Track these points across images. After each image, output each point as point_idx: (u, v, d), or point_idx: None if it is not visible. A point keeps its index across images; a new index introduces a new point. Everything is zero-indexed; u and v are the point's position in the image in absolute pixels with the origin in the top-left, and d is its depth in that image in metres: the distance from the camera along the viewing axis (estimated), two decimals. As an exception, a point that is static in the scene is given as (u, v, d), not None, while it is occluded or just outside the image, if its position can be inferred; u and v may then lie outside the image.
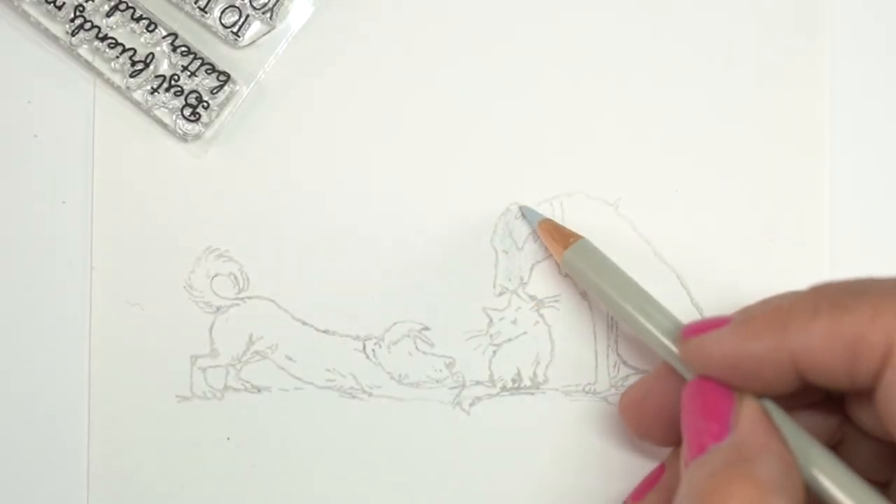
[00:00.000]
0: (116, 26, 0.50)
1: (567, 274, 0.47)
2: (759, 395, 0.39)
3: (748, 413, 0.38)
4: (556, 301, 0.49)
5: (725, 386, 0.39)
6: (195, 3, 0.50)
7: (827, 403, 0.42)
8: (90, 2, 0.50)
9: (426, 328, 0.49)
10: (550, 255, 0.49)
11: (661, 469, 0.44)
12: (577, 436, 0.48)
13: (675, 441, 0.43)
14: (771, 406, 0.39)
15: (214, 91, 0.49)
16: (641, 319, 0.42)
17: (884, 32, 0.49)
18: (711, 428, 0.38)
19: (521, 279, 0.49)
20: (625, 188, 0.49)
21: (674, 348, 0.41)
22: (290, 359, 0.49)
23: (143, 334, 0.50)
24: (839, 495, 0.36)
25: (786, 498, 0.35)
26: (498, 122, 0.49)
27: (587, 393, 0.49)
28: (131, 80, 0.50)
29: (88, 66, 0.50)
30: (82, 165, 0.50)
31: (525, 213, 0.48)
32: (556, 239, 0.46)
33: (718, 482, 0.35)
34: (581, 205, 0.49)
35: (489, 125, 0.49)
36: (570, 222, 0.49)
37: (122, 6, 0.50)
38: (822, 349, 0.37)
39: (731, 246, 0.48)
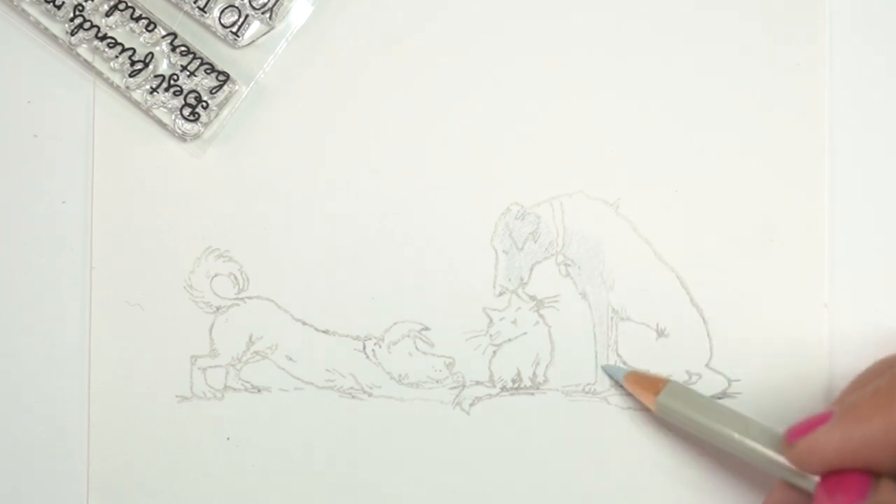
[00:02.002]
0: (116, 26, 0.50)
1: (662, 418, 0.47)
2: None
3: (887, 484, 0.38)
4: (556, 301, 0.49)
5: (859, 473, 0.39)
6: (194, 2, 0.50)
7: None
8: (89, 1, 0.50)
9: (426, 328, 0.49)
10: (551, 255, 0.49)
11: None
12: (577, 436, 0.48)
13: None
14: None
15: (213, 91, 0.49)
16: (749, 443, 0.42)
17: (884, 32, 0.49)
18: (849, 496, 0.38)
19: (521, 279, 0.49)
20: (625, 188, 0.49)
21: (786, 463, 0.41)
22: (290, 359, 0.49)
23: (143, 334, 0.50)
24: None
25: None
26: (498, 123, 0.49)
27: (587, 393, 0.49)
28: (130, 79, 0.50)
29: (88, 65, 0.50)
30: (82, 165, 0.50)
31: (608, 371, 0.48)
32: (646, 387, 0.46)
33: None
34: (581, 205, 0.49)
35: (489, 125, 0.49)
36: (570, 222, 0.49)
37: (122, 6, 0.50)
38: None
39: (731, 246, 0.48)
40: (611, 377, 0.48)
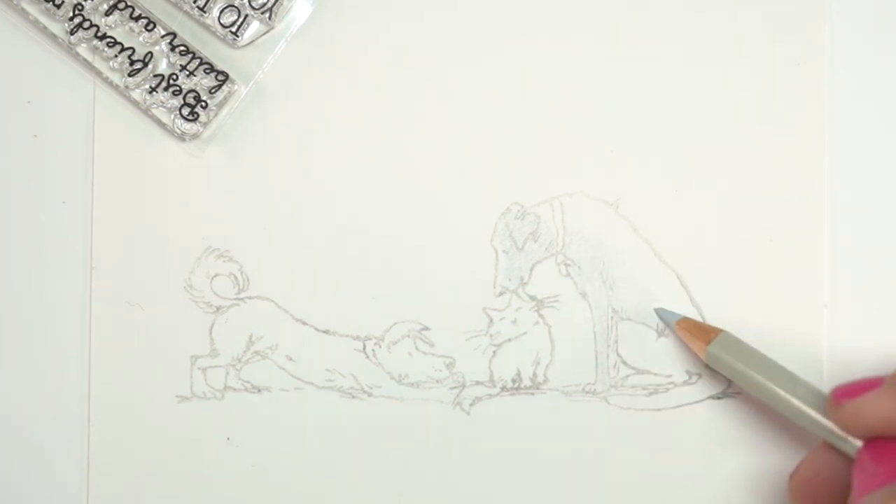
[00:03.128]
0: (115, 25, 0.50)
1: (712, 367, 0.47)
2: None
3: None
4: (556, 301, 0.49)
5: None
6: (194, 2, 0.50)
7: None
8: (89, 0, 0.50)
9: (426, 328, 0.49)
10: (551, 255, 0.49)
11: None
12: (577, 436, 0.48)
13: None
14: None
15: (213, 90, 0.49)
16: (795, 402, 0.43)
17: (884, 32, 0.49)
18: (884, 468, 0.38)
19: (521, 279, 0.49)
20: (625, 188, 0.49)
21: (831, 425, 0.41)
22: (290, 359, 0.49)
23: (143, 334, 0.50)
24: None
25: None
26: (498, 123, 0.49)
27: (587, 393, 0.49)
28: (130, 79, 0.50)
29: (88, 65, 0.50)
30: (82, 165, 0.50)
31: (661, 314, 0.48)
32: (697, 335, 0.46)
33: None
34: (581, 205, 0.49)
35: (489, 125, 0.49)
36: (570, 222, 0.49)
37: (121, 5, 0.50)
38: None
39: (731, 246, 0.48)
40: (662, 320, 0.48)
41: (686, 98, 0.49)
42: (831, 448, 0.42)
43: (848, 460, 0.41)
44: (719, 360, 0.45)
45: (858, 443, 0.40)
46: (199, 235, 0.50)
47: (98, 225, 0.50)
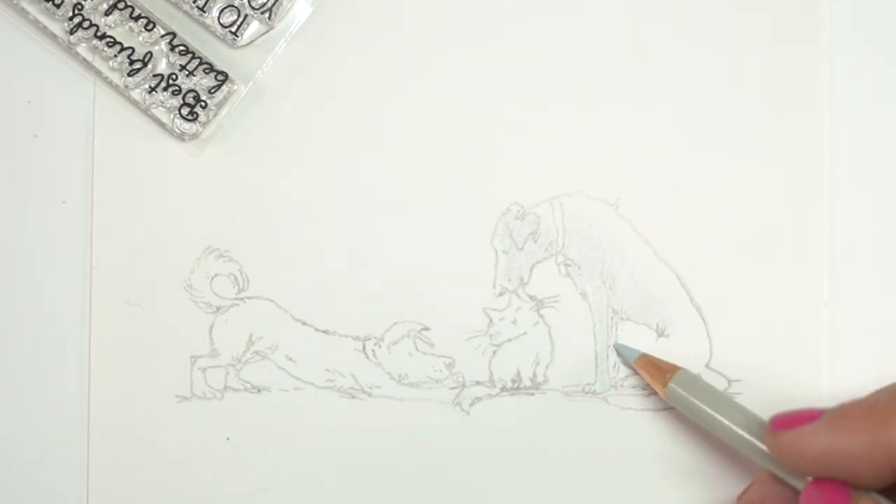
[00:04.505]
0: (115, 25, 0.50)
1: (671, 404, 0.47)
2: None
3: (866, 501, 0.38)
4: (556, 301, 0.49)
5: (841, 485, 0.38)
6: (194, 2, 0.50)
7: None
8: (88, 0, 0.50)
9: (426, 328, 0.49)
10: (551, 255, 0.49)
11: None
12: (577, 436, 0.49)
13: None
14: (881, 499, 0.38)
15: (212, 90, 0.49)
16: (748, 437, 0.42)
17: (884, 32, 0.49)
18: None
19: (521, 279, 0.49)
20: (625, 188, 0.49)
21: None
22: (290, 359, 0.49)
23: (143, 334, 0.50)
24: None
25: None
26: (498, 123, 0.49)
27: (587, 393, 0.49)
28: (129, 78, 0.50)
29: (87, 65, 0.50)
30: (82, 165, 0.50)
31: (620, 350, 0.48)
32: (654, 376, 0.46)
33: None
34: (581, 205, 0.49)
35: (489, 125, 0.49)
36: (570, 222, 0.49)
37: (121, 5, 0.50)
38: None
39: (731, 246, 0.48)
40: (621, 356, 0.48)
41: (686, 98, 0.49)
42: (776, 479, 0.42)
43: (796, 493, 0.41)
44: (677, 398, 0.45)
45: (806, 479, 0.40)
46: (198, 235, 0.50)
47: (98, 225, 0.50)
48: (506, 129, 0.49)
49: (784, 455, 0.40)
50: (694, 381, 0.45)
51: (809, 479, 0.40)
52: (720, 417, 0.43)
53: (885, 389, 0.39)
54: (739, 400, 0.47)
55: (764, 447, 0.42)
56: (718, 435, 0.44)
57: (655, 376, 0.46)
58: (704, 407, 0.44)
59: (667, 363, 0.46)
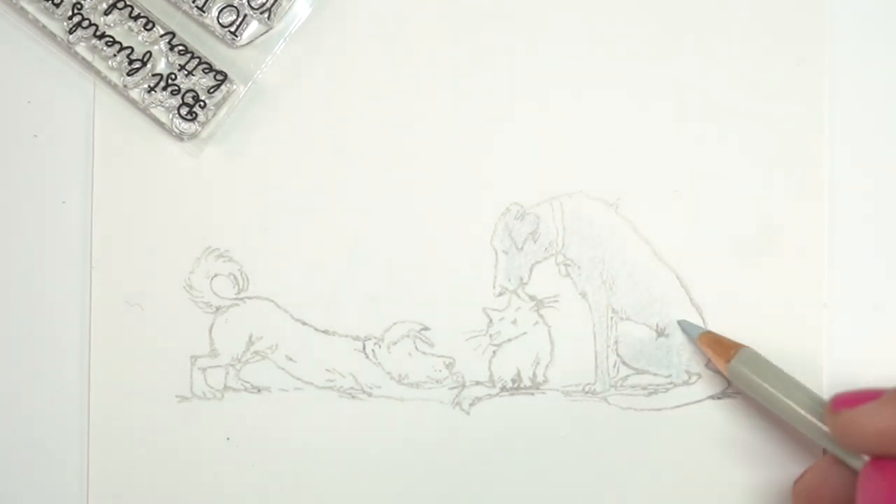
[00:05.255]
0: (114, 24, 0.50)
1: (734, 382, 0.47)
2: None
3: None
4: (556, 301, 0.49)
5: None
6: (193, 2, 0.49)
7: None
8: (88, -1, 0.50)
9: (426, 328, 0.49)
10: (550, 255, 0.49)
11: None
12: (577, 436, 0.49)
13: None
14: None
15: (211, 90, 0.49)
16: (811, 418, 0.42)
17: (884, 32, 0.49)
18: (887, 487, 0.37)
19: (521, 279, 0.49)
20: (625, 188, 0.49)
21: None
22: (290, 359, 0.49)
23: (143, 334, 0.50)
24: None
25: None
26: (498, 123, 0.49)
27: (587, 393, 0.49)
28: (128, 78, 0.50)
29: (87, 64, 0.50)
30: (82, 165, 0.50)
31: (684, 326, 0.48)
32: (718, 352, 0.46)
33: None
34: (581, 205, 0.49)
35: (489, 125, 0.49)
36: (570, 222, 0.49)
37: (120, 4, 0.50)
38: None
39: (731, 246, 0.48)
40: (685, 332, 0.48)
41: (686, 98, 0.49)
42: (839, 461, 0.42)
43: (854, 475, 0.41)
44: (740, 376, 0.45)
45: (865, 458, 0.40)
46: (198, 235, 0.50)
47: (98, 225, 0.50)
48: (506, 129, 0.49)
49: (845, 434, 0.40)
50: (757, 359, 0.45)
51: (867, 458, 0.40)
52: (782, 396, 0.43)
53: None
54: (740, 400, 0.47)
55: (825, 427, 0.42)
56: (779, 414, 0.44)
57: (719, 352, 0.46)
58: (766, 385, 0.44)
59: (731, 340, 0.46)
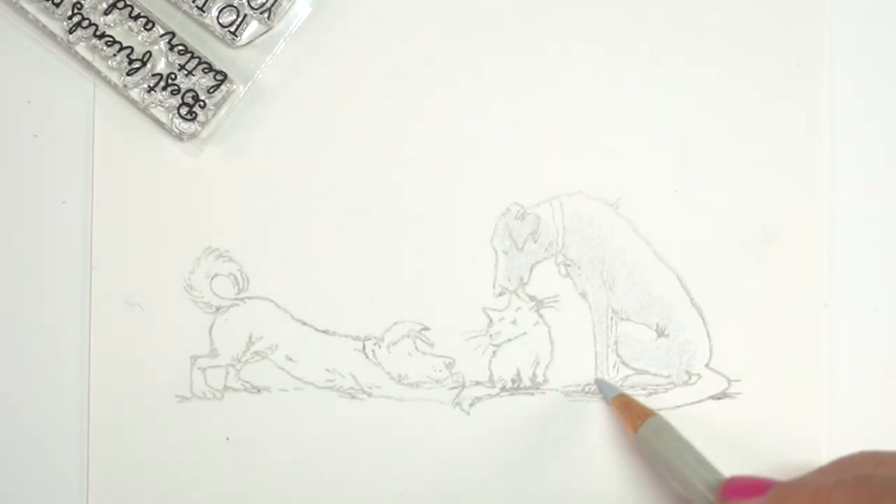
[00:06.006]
0: (114, 24, 0.50)
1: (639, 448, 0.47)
2: None
3: None
4: (556, 301, 0.49)
5: None
6: (193, 1, 0.49)
7: None
8: (88, -1, 0.50)
9: (426, 328, 0.49)
10: (551, 255, 0.49)
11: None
12: (577, 436, 0.49)
13: None
14: None
15: (211, 90, 0.49)
16: (701, 489, 0.43)
17: (884, 32, 0.49)
18: None
19: (521, 279, 0.49)
20: (625, 188, 0.49)
21: None
22: (290, 359, 0.49)
23: (143, 334, 0.50)
24: None
25: None
26: (498, 123, 0.49)
27: (587, 393, 0.49)
28: (128, 78, 0.50)
29: (87, 64, 0.50)
30: (82, 165, 0.50)
31: (601, 385, 0.48)
32: (627, 419, 0.46)
33: None
34: (581, 205, 0.49)
35: (489, 125, 0.49)
36: (570, 222, 0.49)
37: (120, 4, 0.50)
38: None
39: (731, 246, 0.48)
40: (600, 391, 0.48)
41: (686, 98, 0.49)
42: None
43: None
44: (646, 444, 0.45)
45: None
46: (198, 235, 0.50)
47: (98, 225, 0.50)
48: (506, 129, 0.49)
49: None
50: (665, 429, 0.45)
51: None
52: (682, 469, 0.44)
53: (829, 471, 0.40)
54: (741, 400, 0.47)
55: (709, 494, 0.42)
56: (678, 485, 0.44)
57: (628, 419, 0.46)
58: (669, 457, 0.44)
59: (642, 407, 0.47)
